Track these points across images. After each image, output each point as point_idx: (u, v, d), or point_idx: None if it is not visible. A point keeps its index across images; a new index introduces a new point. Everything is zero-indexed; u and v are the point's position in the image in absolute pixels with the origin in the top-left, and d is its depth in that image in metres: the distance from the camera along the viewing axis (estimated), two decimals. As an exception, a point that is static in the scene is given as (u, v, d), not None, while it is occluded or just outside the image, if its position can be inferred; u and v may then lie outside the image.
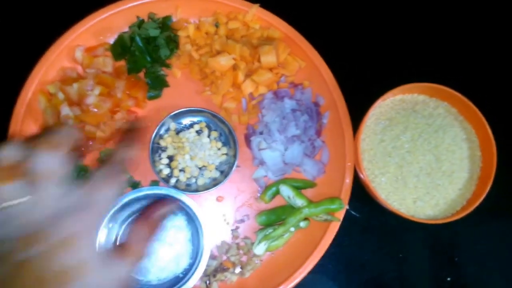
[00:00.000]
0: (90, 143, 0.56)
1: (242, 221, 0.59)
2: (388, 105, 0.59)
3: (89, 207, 0.36)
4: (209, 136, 0.60)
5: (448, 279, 0.61)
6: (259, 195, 0.60)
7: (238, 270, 0.56)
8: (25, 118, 0.56)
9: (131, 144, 0.43)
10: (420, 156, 0.55)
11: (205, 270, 0.54)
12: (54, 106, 0.55)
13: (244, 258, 0.57)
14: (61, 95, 0.55)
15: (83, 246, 0.34)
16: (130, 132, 0.43)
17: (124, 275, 0.38)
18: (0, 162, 0.35)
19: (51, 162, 0.36)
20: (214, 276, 0.55)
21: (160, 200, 0.42)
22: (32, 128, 0.57)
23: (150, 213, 0.41)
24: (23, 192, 0.34)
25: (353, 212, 0.61)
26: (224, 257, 0.57)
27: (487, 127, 0.56)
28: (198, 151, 0.58)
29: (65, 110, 0.54)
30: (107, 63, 0.58)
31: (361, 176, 0.55)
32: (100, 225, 0.38)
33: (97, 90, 0.55)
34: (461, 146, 0.57)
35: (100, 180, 0.38)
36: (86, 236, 0.35)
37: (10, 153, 0.35)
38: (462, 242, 0.62)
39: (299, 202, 0.57)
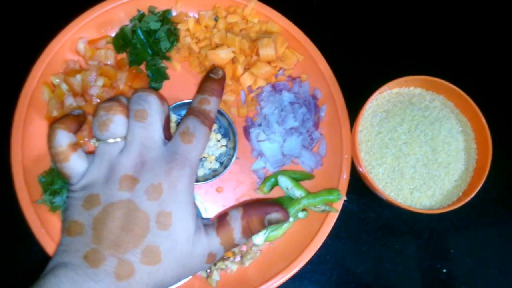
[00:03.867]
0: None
1: (241, 211, 0.60)
2: (385, 98, 0.60)
3: (178, 160, 0.35)
4: (209, 128, 0.61)
5: (444, 270, 0.62)
6: (258, 186, 0.60)
7: (238, 259, 0.57)
8: (29, 109, 0.57)
9: (215, 94, 0.40)
10: (417, 148, 0.56)
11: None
12: (58, 96, 0.56)
13: (244, 248, 0.58)
14: (64, 86, 0.56)
15: (168, 198, 0.34)
16: (213, 81, 0.41)
17: (215, 249, 0.36)
18: (119, 100, 0.37)
19: (152, 102, 0.36)
20: (215, 264, 0.56)
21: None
22: (36, 118, 0.58)
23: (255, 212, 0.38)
24: (123, 131, 0.36)
25: (349, 205, 0.62)
26: (223, 247, 0.58)
27: (483, 120, 0.57)
28: (198, 142, 0.59)
29: (69, 100, 0.55)
30: (109, 56, 0.59)
31: (359, 167, 0.56)
32: (192, 180, 0.36)
33: (100, 81, 0.56)
34: (457, 138, 0.58)
35: (188, 132, 0.36)
36: (173, 189, 0.34)
37: (123, 98, 0.37)
38: (458, 234, 0.63)
39: (297, 193, 0.57)
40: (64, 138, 0.36)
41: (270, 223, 0.38)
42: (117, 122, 0.35)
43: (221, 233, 0.36)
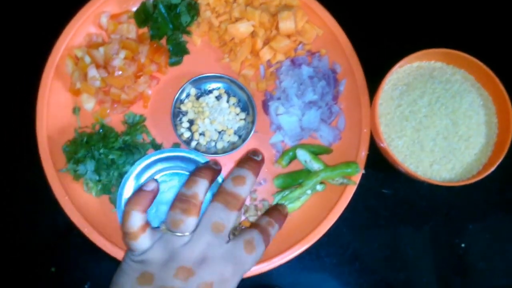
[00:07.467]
0: (115, 105, 0.58)
1: (259, 184, 0.60)
2: (406, 71, 0.59)
3: (235, 265, 0.39)
4: (228, 101, 0.61)
5: (462, 245, 0.62)
6: (276, 159, 0.61)
7: (256, 229, 0.58)
8: (53, 80, 0.58)
9: (278, 221, 0.47)
10: (437, 121, 0.56)
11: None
12: (81, 69, 0.57)
13: (261, 219, 0.59)
14: (87, 59, 0.57)
15: None
16: (279, 212, 0.49)
17: None
18: (196, 199, 0.41)
19: (231, 219, 0.42)
20: (233, 234, 0.57)
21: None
22: (60, 89, 0.59)
23: None
24: (192, 229, 0.39)
25: (367, 179, 0.62)
26: (243, 217, 0.59)
27: (505, 94, 0.56)
28: (218, 115, 0.60)
29: (92, 72, 0.56)
30: (131, 30, 0.60)
31: (378, 140, 0.56)
32: (238, 281, 0.40)
33: (122, 54, 0.57)
34: (478, 112, 0.57)
35: (252, 244, 0.41)
36: None
37: (202, 194, 0.42)
38: (476, 209, 0.63)
39: (315, 166, 0.58)
40: (138, 220, 0.40)
41: None
42: (188, 224, 0.39)
43: None
